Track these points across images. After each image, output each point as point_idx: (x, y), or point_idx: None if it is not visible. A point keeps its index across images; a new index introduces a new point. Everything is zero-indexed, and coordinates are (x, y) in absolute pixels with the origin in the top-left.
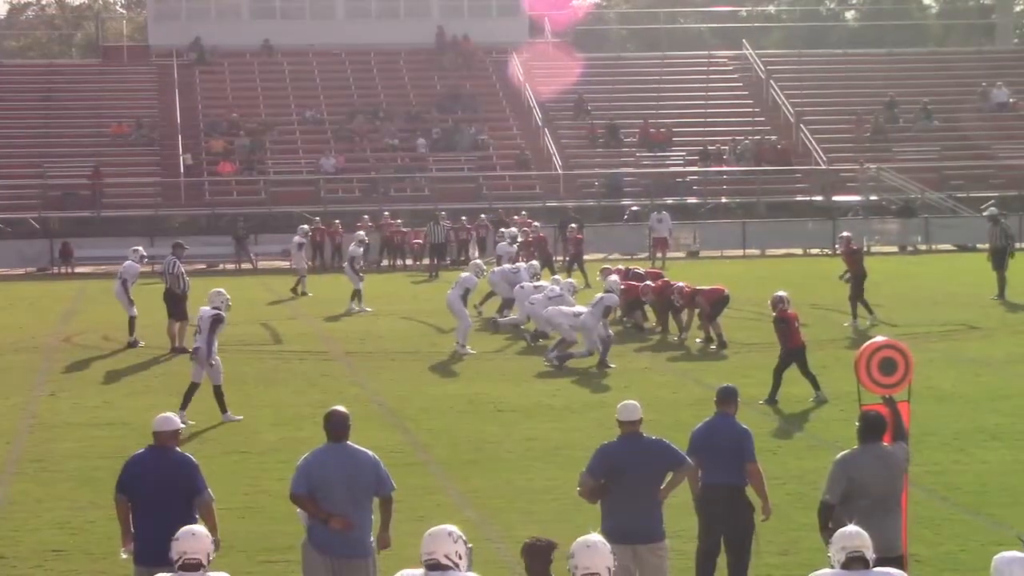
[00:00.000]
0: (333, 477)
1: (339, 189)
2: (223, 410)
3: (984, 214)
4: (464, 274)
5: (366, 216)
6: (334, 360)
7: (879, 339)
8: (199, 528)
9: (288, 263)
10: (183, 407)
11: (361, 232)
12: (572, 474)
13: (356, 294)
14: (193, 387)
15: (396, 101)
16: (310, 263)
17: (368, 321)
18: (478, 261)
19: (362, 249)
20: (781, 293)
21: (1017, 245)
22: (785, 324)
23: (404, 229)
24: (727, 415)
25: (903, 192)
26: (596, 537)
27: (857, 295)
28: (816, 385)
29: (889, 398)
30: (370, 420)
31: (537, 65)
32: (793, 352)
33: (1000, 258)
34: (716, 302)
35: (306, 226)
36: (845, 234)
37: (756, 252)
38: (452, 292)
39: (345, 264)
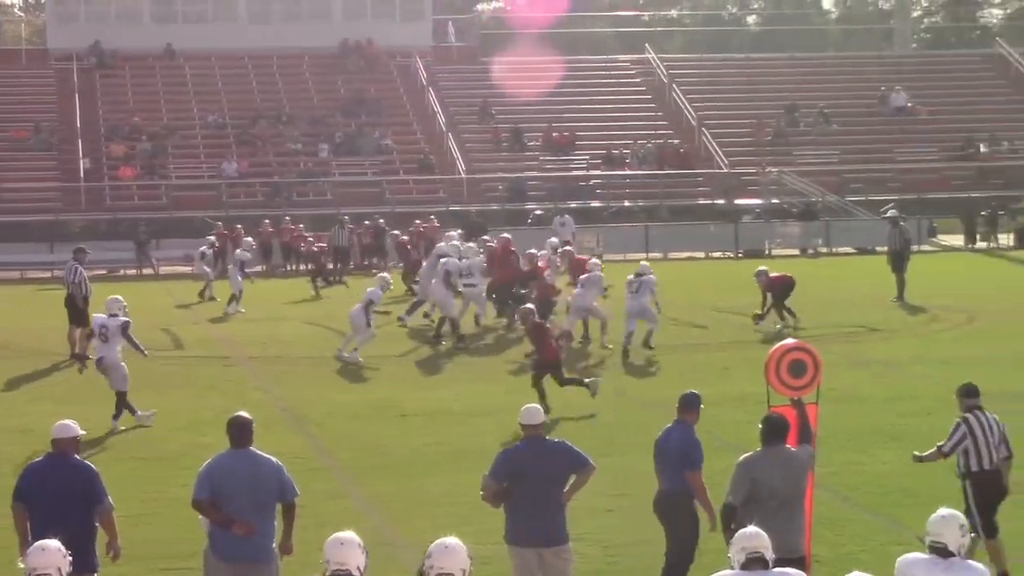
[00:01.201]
0: (235, 483)
1: (241, 193)
2: (133, 412)
3: (884, 217)
4: (370, 288)
5: (267, 221)
6: (237, 365)
7: (789, 342)
8: (50, 542)
9: (190, 268)
10: (116, 416)
11: (248, 238)
12: (476, 478)
13: (234, 297)
14: (120, 395)
15: (299, 105)
16: (211, 269)
17: (271, 326)
18: (385, 275)
19: (249, 254)
20: (529, 306)
21: (915, 248)
22: (538, 334)
23: (306, 234)
24: (684, 423)
25: (804, 195)
26: (454, 540)
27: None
28: (543, 395)
29: (797, 400)
30: (273, 425)
31: (441, 69)
32: (547, 363)
33: (899, 260)
34: (543, 303)
35: (212, 237)
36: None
37: (659, 255)
38: (357, 307)
39: (230, 267)
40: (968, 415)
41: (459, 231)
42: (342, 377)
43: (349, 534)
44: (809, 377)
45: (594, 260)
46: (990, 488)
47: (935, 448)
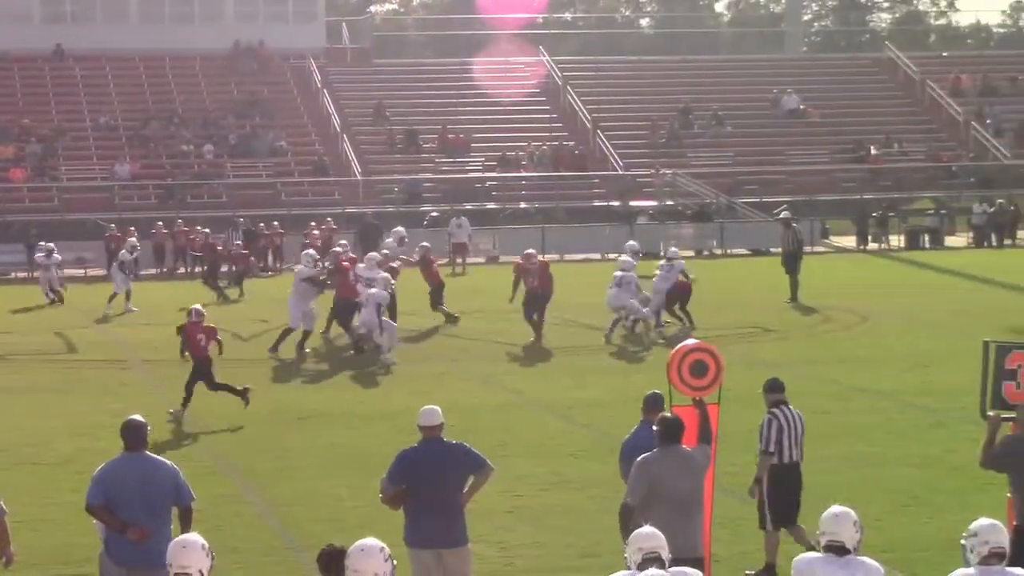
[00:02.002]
0: (130, 487)
1: (134, 196)
2: None
3: (777, 218)
4: (372, 289)
5: (160, 223)
6: (132, 368)
7: (691, 342)
8: (192, 538)
9: (82, 271)
10: None
11: (133, 239)
12: (374, 481)
13: (125, 294)
14: None
15: (192, 107)
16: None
17: (166, 329)
18: (386, 275)
19: (130, 255)
20: (196, 306)
21: (808, 249)
22: (186, 336)
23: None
24: (649, 423)
25: (698, 197)
26: (371, 541)
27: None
28: (188, 400)
29: (699, 400)
30: (168, 429)
31: (335, 71)
32: (199, 365)
33: (792, 262)
34: (343, 307)
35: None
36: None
37: (555, 257)
38: (366, 311)
39: (114, 265)
40: (775, 410)
41: (399, 229)
42: (238, 380)
43: (192, 537)
44: (711, 377)
45: (625, 258)
46: (788, 482)
47: (760, 454)
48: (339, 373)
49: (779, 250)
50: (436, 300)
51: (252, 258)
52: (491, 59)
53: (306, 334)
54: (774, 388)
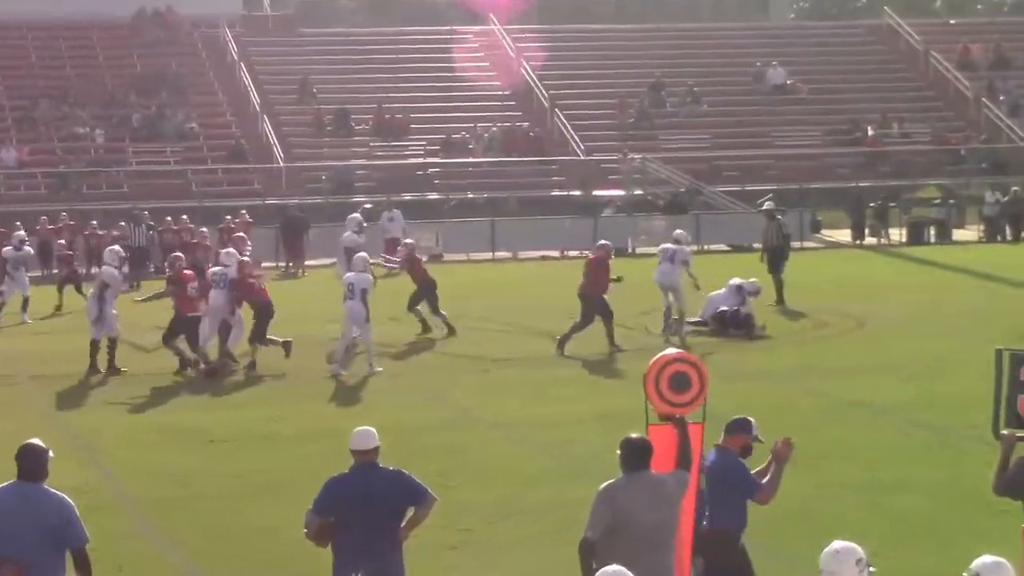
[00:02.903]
0: (14, 520)
1: (21, 186)
2: None
3: (760, 209)
4: (348, 274)
5: (64, 214)
6: (17, 384)
7: (671, 352)
8: None
9: None
10: None
11: (21, 233)
12: (297, 512)
13: (22, 303)
14: None
15: (88, 84)
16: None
17: (57, 340)
18: (363, 254)
19: (15, 251)
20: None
21: (797, 244)
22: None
23: (100, 232)
24: (726, 451)
25: (671, 185)
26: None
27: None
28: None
29: (679, 418)
30: (58, 453)
31: (254, 42)
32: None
33: (777, 259)
34: (260, 310)
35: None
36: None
37: (507, 255)
38: (352, 302)
39: (9, 267)
40: None
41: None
42: (138, 396)
43: None
44: (694, 392)
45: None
46: None
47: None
48: (255, 388)
49: (761, 246)
50: (415, 302)
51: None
52: (433, 28)
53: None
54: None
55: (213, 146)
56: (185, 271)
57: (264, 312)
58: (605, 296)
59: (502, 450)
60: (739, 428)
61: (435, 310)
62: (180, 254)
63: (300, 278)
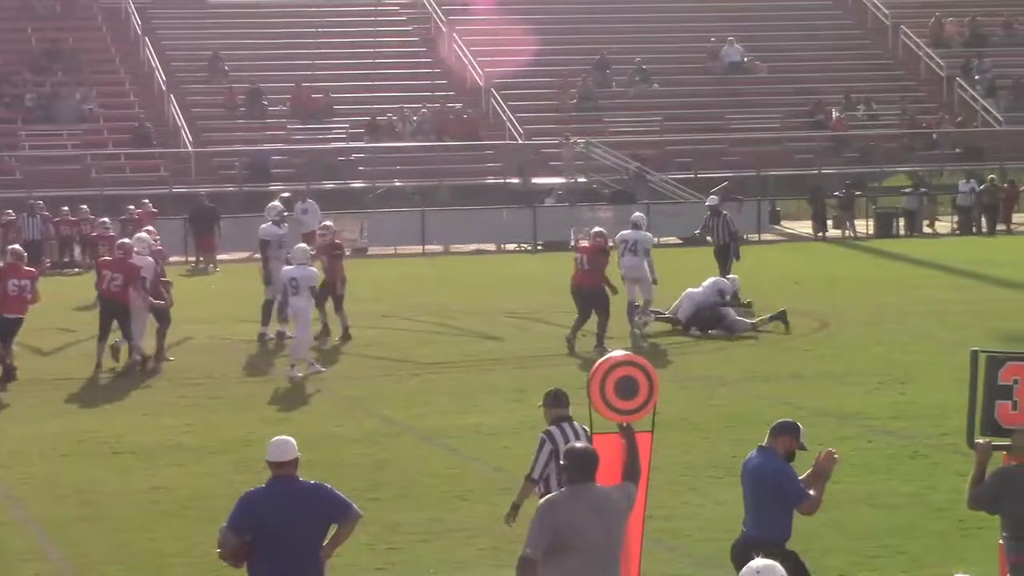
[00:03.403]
0: None
1: None
2: None
3: (706, 203)
4: (289, 268)
5: None
6: None
7: (617, 354)
8: None
9: None
10: None
11: None
12: (210, 530)
13: None
14: None
15: None
16: None
17: None
18: (303, 245)
19: None
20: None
21: (755, 237)
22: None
23: None
24: (770, 451)
25: (618, 173)
26: None
27: None
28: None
29: (626, 427)
30: None
31: (159, 15)
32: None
33: (723, 259)
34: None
35: None
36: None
37: (438, 248)
38: (297, 299)
39: None
40: (554, 429)
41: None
42: (35, 403)
43: None
44: (642, 398)
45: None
46: None
47: (524, 481)
48: (163, 395)
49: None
50: (325, 298)
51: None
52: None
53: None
54: (558, 402)
55: (115, 129)
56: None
57: (164, 317)
58: (607, 289)
59: (433, 462)
60: (786, 430)
61: (338, 307)
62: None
63: (211, 274)
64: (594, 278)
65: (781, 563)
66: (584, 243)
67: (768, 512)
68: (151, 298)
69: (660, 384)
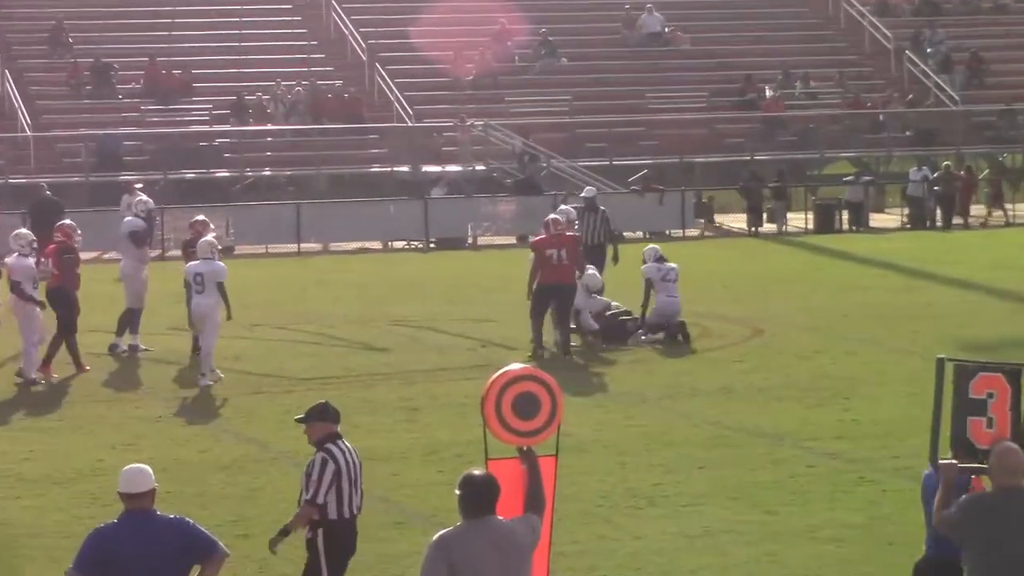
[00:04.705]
0: None
1: None
2: None
3: (581, 195)
4: (195, 264)
5: None
6: None
7: (515, 367)
8: None
9: None
10: None
11: None
12: (53, 574)
13: None
14: None
15: None
16: None
17: None
18: (209, 238)
19: None
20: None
21: (679, 233)
22: None
23: None
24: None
25: (521, 159)
26: None
27: None
28: None
29: (527, 450)
30: None
31: None
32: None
33: (597, 261)
34: None
35: None
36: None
37: (315, 247)
38: (202, 298)
39: None
40: (332, 447)
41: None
42: None
43: None
44: (544, 417)
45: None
46: (346, 542)
47: (305, 503)
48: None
49: (637, 234)
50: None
51: None
52: None
53: None
54: (327, 416)
55: None
56: None
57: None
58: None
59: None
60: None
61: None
62: None
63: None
64: (572, 273)
65: None
66: (542, 235)
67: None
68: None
69: (566, 401)
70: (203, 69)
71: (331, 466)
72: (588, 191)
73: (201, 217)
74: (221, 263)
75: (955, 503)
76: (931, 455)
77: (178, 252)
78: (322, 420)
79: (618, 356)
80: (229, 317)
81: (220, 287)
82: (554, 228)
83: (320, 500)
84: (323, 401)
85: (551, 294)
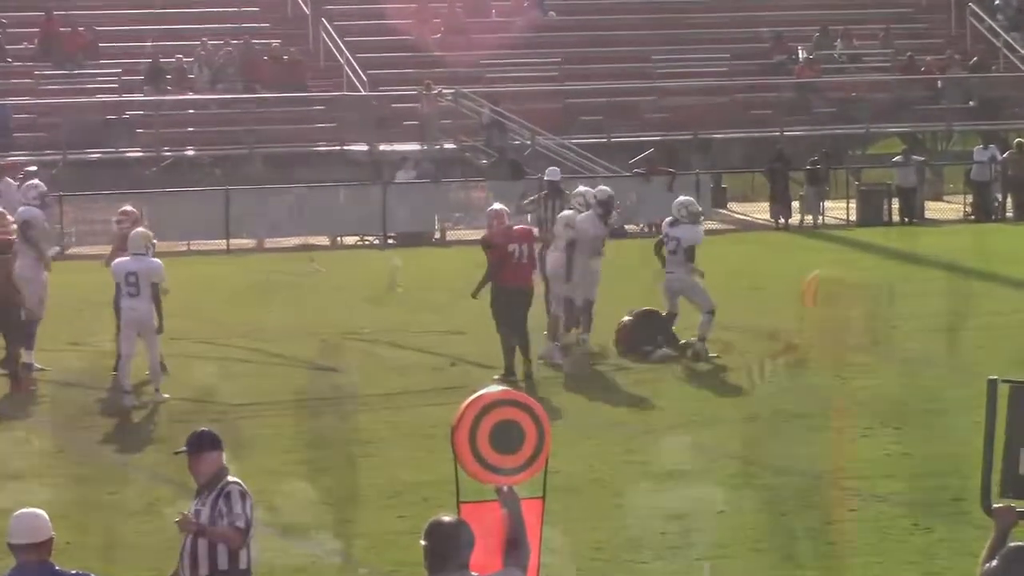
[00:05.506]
0: None
1: None
2: None
3: (545, 177)
4: (125, 260)
5: None
6: None
7: (493, 390)
8: None
9: None
10: None
11: None
12: None
13: None
14: None
15: None
16: None
17: None
18: (142, 229)
19: None
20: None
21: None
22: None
23: None
24: None
25: (501, 136)
26: None
27: None
28: None
29: (507, 491)
30: None
31: None
32: None
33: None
34: None
35: None
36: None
37: (249, 243)
38: (135, 301)
39: None
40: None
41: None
42: None
43: None
44: (528, 451)
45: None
46: None
47: (234, 531)
48: None
49: (637, 227)
50: None
51: None
52: None
53: None
54: (218, 443)
55: None
56: None
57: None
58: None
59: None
60: None
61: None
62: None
63: None
64: (532, 274)
65: None
66: (494, 229)
67: None
68: None
69: (554, 431)
70: (110, 26)
71: (250, 502)
72: (551, 172)
73: (129, 207)
74: (157, 260)
75: (998, 554)
76: (982, 499)
77: (81, 250)
78: (216, 448)
79: (617, 375)
80: (160, 329)
81: (154, 289)
82: (502, 221)
83: (250, 536)
84: (205, 428)
85: (519, 299)
